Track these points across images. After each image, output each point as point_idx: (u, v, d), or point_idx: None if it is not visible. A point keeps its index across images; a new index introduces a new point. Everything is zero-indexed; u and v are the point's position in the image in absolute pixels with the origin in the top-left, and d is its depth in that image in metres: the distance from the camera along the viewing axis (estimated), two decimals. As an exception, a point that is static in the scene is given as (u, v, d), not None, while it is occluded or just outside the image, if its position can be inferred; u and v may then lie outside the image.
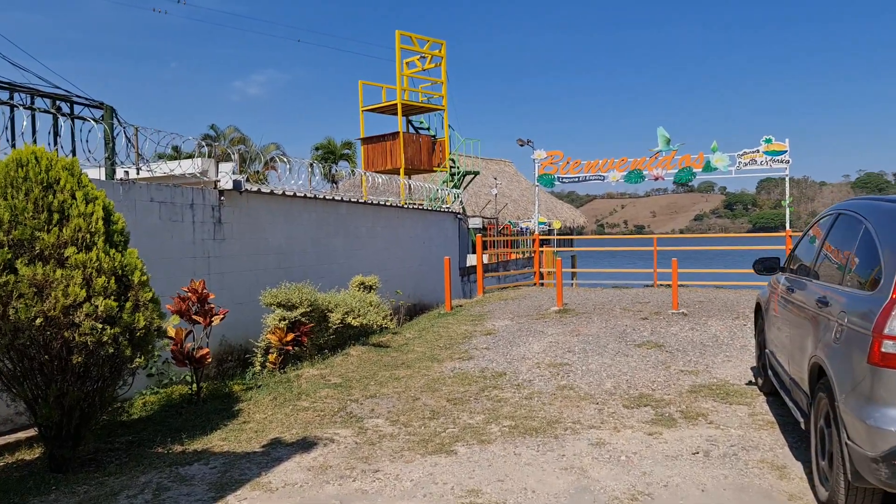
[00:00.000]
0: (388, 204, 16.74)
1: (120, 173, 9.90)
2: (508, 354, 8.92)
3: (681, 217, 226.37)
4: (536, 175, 17.19)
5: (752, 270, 6.34)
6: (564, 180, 16.90)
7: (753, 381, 7.13)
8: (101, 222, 5.30)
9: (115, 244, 5.46)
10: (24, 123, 8.73)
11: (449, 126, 26.90)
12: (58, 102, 9.35)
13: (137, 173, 10.17)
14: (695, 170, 15.76)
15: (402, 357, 9.14)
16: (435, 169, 26.89)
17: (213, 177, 10.31)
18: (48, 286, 4.95)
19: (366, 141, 26.71)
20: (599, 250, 36.26)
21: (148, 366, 6.52)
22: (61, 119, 9.27)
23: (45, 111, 9.10)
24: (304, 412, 6.69)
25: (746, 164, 15.33)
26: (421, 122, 27.81)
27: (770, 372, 6.19)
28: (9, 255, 4.93)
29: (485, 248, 19.44)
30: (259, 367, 9.17)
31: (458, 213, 21.76)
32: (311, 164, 14.87)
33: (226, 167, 10.32)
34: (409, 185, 20.43)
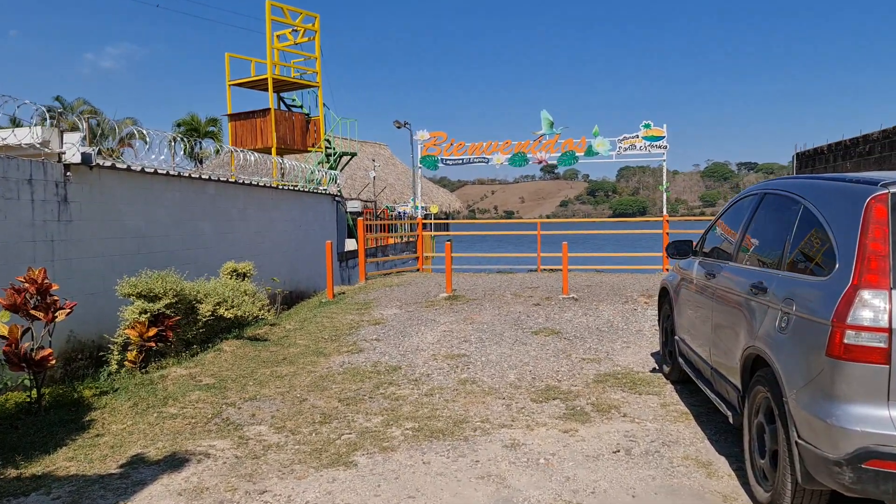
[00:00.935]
0: (261, 185, 15.57)
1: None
2: (401, 346, 8.30)
3: (547, 203, 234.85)
4: (419, 156, 16.63)
5: (666, 253, 6.06)
6: (448, 162, 16.44)
7: (658, 368, 6.94)
8: None
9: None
10: None
11: (324, 105, 25.75)
12: None
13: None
14: (577, 154, 15.78)
15: (283, 351, 8.28)
16: (309, 149, 25.66)
17: (57, 148, 8.91)
18: None
19: (233, 118, 25.00)
20: (478, 234, 36.32)
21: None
22: None
23: None
24: (172, 420, 5.75)
25: (626, 149, 15.53)
26: (294, 100, 26.44)
27: (681, 360, 5.95)
28: None
29: (367, 231, 18.65)
30: (116, 367, 8.02)
31: (336, 196, 20.82)
32: (174, 139, 13.50)
33: (72, 137, 8.94)
34: (283, 165, 19.23)
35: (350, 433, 5.32)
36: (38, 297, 6.19)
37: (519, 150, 16.06)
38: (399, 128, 32.79)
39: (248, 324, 9.77)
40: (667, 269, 15.18)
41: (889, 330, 3.08)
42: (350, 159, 27.53)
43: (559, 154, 15.88)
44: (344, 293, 12.81)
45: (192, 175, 12.28)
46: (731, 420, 4.44)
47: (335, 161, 25.84)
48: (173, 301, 8.10)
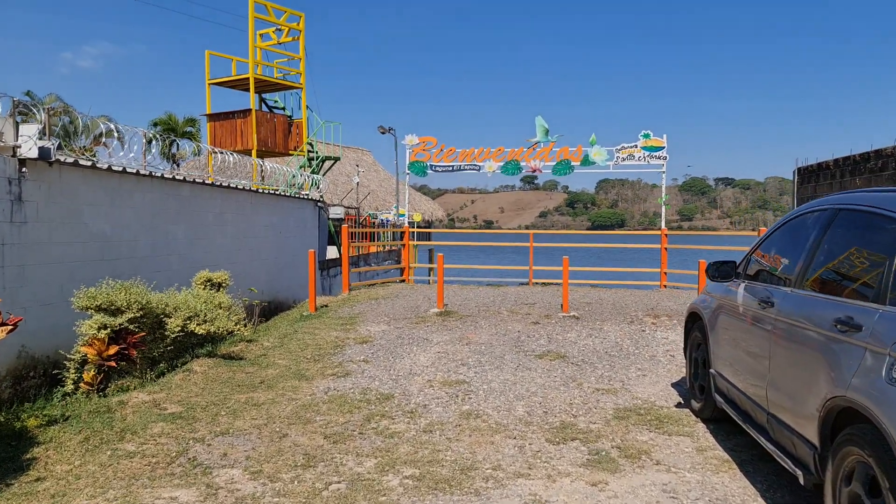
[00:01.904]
0: (239, 187, 14.68)
1: None
2: (392, 369, 7.49)
3: (527, 213, 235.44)
4: (407, 162, 15.82)
5: (706, 276, 5.32)
6: (438, 169, 15.66)
7: (684, 403, 6.19)
8: None
9: None
10: None
11: (307, 107, 24.89)
12: None
13: None
14: (573, 163, 15.08)
15: (260, 373, 7.43)
16: (291, 153, 24.77)
17: (12, 141, 7.99)
18: None
19: (213, 118, 24.04)
20: (464, 244, 35.56)
21: None
22: None
23: None
24: (129, 460, 4.90)
25: (624, 159, 14.87)
26: (276, 101, 25.57)
27: (718, 397, 5.21)
28: None
29: (351, 240, 17.82)
30: (72, 387, 7.14)
31: (319, 202, 19.96)
32: (151, 139, 12.61)
33: (28, 130, 8.03)
34: (264, 168, 18.34)
35: (339, 481, 4.51)
36: (-25, 312, 5.31)
37: (512, 158, 15.34)
38: (384, 133, 32.02)
39: (223, 339, 8.92)
40: (664, 287, 14.53)
41: None
42: (333, 164, 26.66)
43: (554, 163, 15.18)
44: (327, 306, 11.96)
45: (165, 175, 11.38)
46: (801, 480, 3.70)
47: (318, 165, 24.98)
48: (138, 315, 7.23)
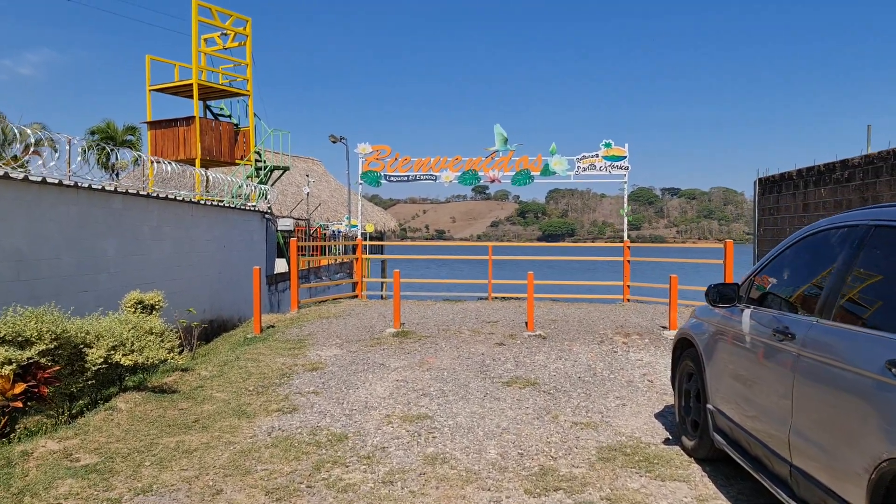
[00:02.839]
0: (179, 198, 13.66)
1: None
2: (345, 402, 6.70)
3: (479, 223, 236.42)
4: (360, 171, 15.04)
5: (706, 299, 4.69)
6: (392, 179, 14.91)
7: (672, 439, 5.58)
8: None
9: None
10: None
11: (255, 115, 23.87)
12: None
13: None
14: (533, 173, 14.53)
15: (195, 409, 6.55)
16: (237, 162, 23.67)
17: None
18: None
19: (154, 125, 22.80)
20: (419, 258, 34.77)
21: None
22: None
23: None
24: (24, 532, 4.01)
25: (585, 169, 14.39)
26: (221, 109, 24.47)
27: (717, 436, 4.60)
28: None
29: (302, 253, 16.93)
30: (-27, 431, 6.14)
31: (267, 213, 18.98)
32: (87, 148, 11.59)
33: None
34: (208, 178, 17.32)
35: (283, 556, 3.72)
36: None
37: (470, 168, 14.71)
38: (335, 142, 31.13)
39: (155, 368, 7.99)
40: (627, 300, 14.04)
41: None
42: (282, 174, 25.68)
43: (513, 172, 14.60)
44: (274, 326, 11.06)
45: (93, 186, 10.35)
46: (840, 553, 3.08)
47: (266, 175, 23.97)
48: (51, 346, 6.28)
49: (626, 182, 14.46)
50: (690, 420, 5.22)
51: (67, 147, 10.20)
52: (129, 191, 11.67)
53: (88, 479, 4.80)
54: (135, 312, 8.45)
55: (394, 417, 6.19)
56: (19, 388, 5.94)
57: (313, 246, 24.06)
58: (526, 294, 14.72)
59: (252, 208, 17.98)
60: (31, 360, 6.09)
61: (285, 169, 24.85)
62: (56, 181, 9.37)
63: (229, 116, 24.30)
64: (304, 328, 10.65)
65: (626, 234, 14.80)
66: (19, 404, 5.99)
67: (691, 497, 4.45)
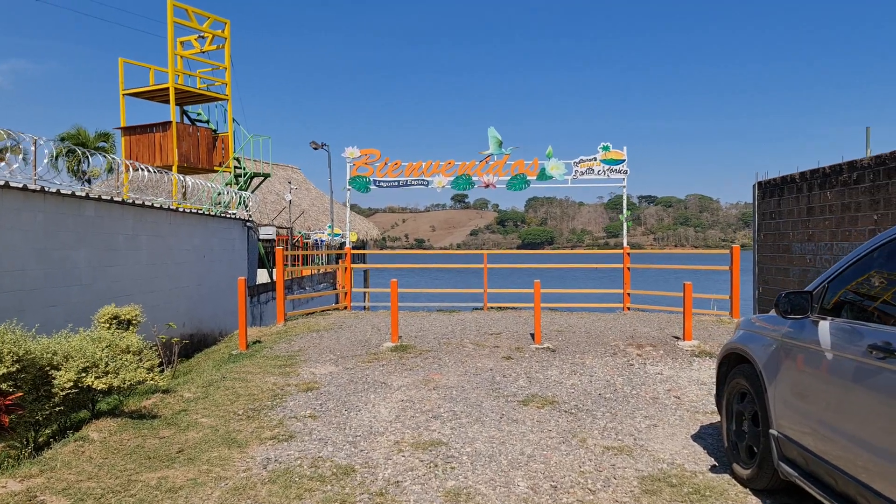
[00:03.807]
0: (156, 206, 12.89)
1: None
2: (348, 427, 6.02)
3: (458, 232, 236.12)
4: (347, 177, 14.36)
5: (777, 310, 4.09)
6: (382, 184, 14.26)
7: (719, 466, 4.97)
8: None
9: None
10: None
11: (234, 120, 23.11)
12: None
13: None
14: (529, 177, 13.96)
15: (178, 438, 5.83)
16: (216, 168, 22.88)
17: None
18: None
19: (128, 131, 21.96)
20: (402, 266, 34.03)
21: None
22: None
23: None
24: None
25: (583, 173, 13.85)
26: (199, 114, 23.68)
27: (787, 467, 4.00)
28: None
29: (285, 262, 16.20)
30: (-77, 467, 5.40)
31: (248, 221, 18.21)
32: (59, 154, 10.79)
33: None
34: (185, 184, 16.54)
35: None
36: None
37: (463, 172, 14.11)
38: (316, 149, 30.39)
39: (132, 391, 7.25)
40: (627, 309, 13.50)
41: None
42: (263, 181, 24.90)
43: (508, 177, 14.02)
44: (260, 341, 10.33)
45: (62, 191, 9.58)
46: None
47: (246, 183, 23.18)
48: (13, 370, 5.54)
49: (624, 186, 13.94)
50: (745, 446, 4.62)
51: (33, 148, 9.42)
52: (103, 197, 10.89)
53: (55, 528, 4.08)
54: (109, 328, 7.72)
55: (404, 444, 5.53)
56: (-24, 418, 5.20)
57: (297, 255, 23.28)
58: (523, 304, 14.20)
59: (232, 216, 17.21)
60: (-11, 386, 5.35)
61: (266, 176, 24.09)
62: (20, 185, 8.60)
63: (207, 122, 23.53)
64: (294, 343, 9.94)
65: (625, 241, 14.28)
66: (-24, 437, 5.26)
67: (762, 539, 3.85)
